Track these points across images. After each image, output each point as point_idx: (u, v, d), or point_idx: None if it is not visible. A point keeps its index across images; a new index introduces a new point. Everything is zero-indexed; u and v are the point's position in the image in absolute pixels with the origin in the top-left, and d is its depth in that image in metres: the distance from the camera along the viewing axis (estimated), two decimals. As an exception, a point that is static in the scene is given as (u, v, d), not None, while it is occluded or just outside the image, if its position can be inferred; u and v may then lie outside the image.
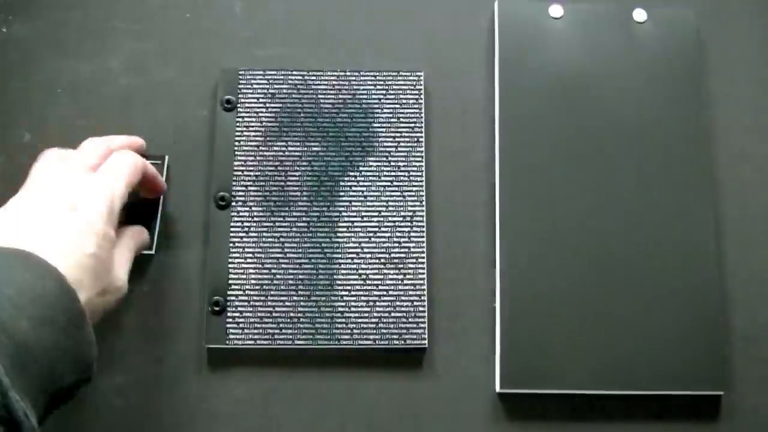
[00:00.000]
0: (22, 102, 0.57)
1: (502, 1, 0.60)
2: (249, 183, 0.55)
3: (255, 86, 0.57)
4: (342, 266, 0.54)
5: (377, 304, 0.53)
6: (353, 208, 0.55)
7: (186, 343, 0.53)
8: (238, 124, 0.56)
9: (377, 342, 0.53)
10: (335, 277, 0.53)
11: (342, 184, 0.55)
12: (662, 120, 0.57)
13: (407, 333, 0.53)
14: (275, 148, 0.56)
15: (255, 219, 0.54)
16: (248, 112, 0.56)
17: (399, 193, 0.55)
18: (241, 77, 0.57)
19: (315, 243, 0.54)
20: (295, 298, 0.53)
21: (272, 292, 0.53)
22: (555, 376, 0.52)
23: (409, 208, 0.55)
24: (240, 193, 0.55)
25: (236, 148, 0.56)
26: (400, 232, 0.54)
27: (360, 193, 0.55)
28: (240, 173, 0.55)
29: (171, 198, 0.56)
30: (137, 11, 0.60)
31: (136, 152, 0.50)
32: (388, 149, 0.56)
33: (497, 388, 0.53)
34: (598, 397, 0.53)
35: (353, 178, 0.55)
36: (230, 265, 0.53)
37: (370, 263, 0.54)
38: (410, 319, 0.53)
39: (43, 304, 0.35)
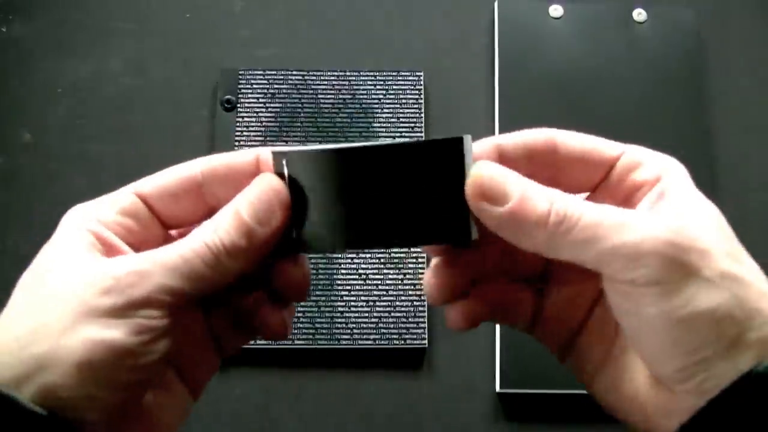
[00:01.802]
0: (22, 102, 0.57)
1: (502, 1, 0.60)
2: (249, 183, 0.55)
3: (255, 86, 0.57)
4: (342, 266, 0.54)
5: (377, 304, 0.53)
6: (353, 208, 0.55)
7: (186, 343, 0.53)
8: (238, 124, 0.56)
9: (377, 342, 0.53)
10: (335, 277, 0.53)
11: (342, 184, 0.55)
12: (662, 120, 0.57)
13: (407, 333, 0.53)
14: (275, 148, 0.56)
15: (255, 219, 0.54)
16: (248, 112, 0.56)
17: (399, 193, 0.55)
18: (241, 77, 0.57)
19: (315, 243, 0.54)
20: (295, 298, 0.53)
21: (272, 292, 0.53)
22: (555, 376, 0.52)
23: (409, 208, 0.55)
24: (240, 193, 0.55)
25: (236, 148, 0.56)
26: (400, 232, 0.54)
27: (360, 193, 0.55)
28: (240, 173, 0.55)
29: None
30: (137, 11, 0.60)
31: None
32: (388, 149, 0.56)
33: (497, 388, 0.53)
34: (598, 397, 0.53)
35: (353, 178, 0.55)
36: (230, 265, 0.53)
37: (370, 263, 0.54)
38: (410, 319, 0.53)
39: None
